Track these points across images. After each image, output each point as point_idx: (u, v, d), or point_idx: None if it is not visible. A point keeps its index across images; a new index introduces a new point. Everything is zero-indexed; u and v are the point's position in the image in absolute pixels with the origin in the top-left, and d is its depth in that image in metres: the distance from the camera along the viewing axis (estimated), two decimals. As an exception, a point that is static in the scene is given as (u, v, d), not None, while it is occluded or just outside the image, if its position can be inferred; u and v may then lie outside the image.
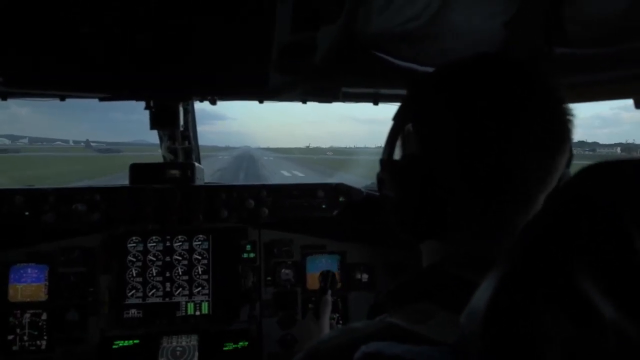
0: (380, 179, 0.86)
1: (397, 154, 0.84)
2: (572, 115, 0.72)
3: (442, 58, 1.52)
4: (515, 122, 0.68)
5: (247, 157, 57.70)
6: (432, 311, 0.68)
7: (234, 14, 1.24)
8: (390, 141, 0.83)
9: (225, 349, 2.22)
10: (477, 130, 0.69)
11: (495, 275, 0.48)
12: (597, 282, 0.40)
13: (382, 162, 0.84)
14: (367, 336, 0.69)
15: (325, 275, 1.86)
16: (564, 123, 0.71)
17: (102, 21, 1.25)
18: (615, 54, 1.33)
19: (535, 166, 0.70)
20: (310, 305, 2.36)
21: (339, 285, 2.33)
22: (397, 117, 0.83)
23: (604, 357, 0.40)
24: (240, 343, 2.24)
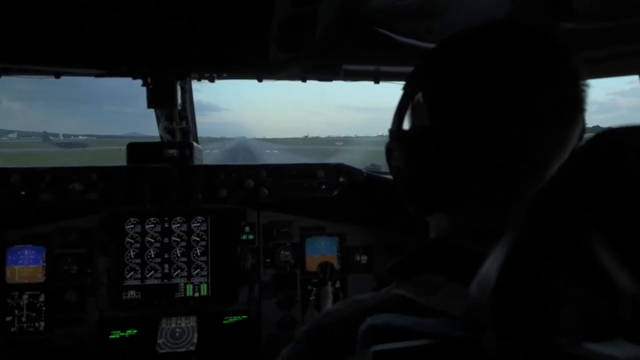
0: (389, 149, 0.84)
1: (406, 125, 0.82)
2: (586, 85, 0.70)
3: (445, 33, 1.50)
4: (527, 91, 0.67)
5: (242, 151, 49.24)
6: (440, 283, 0.67)
7: None
8: (399, 111, 0.81)
9: (224, 322, 2.23)
10: (487, 99, 0.68)
11: (506, 243, 0.47)
12: (613, 251, 0.39)
13: (392, 133, 0.82)
14: (372, 308, 0.68)
15: (324, 267, 1.85)
16: (577, 93, 0.69)
17: None
18: (622, 29, 1.32)
19: (547, 136, 0.68)
20: (311, 297, 2.37)
21: (337, 282, 2.34)
22: (407, 87, 0.81)
23: (620, 325, 0.40)
24: (239, 317, 2.24)
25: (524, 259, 0.45)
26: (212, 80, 1.89)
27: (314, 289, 2.35)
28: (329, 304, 1.77)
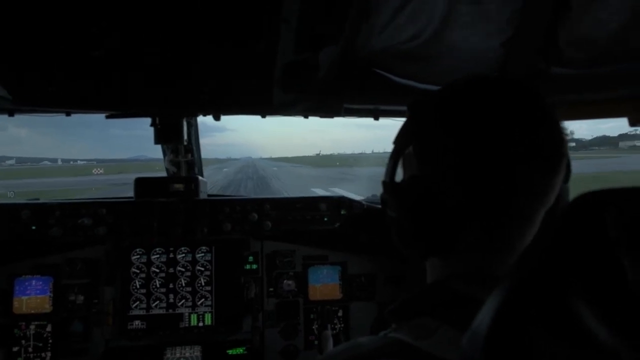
0: (383, 200, 0.89)
1: (399, 177, 0.86)
2: (566, 134, 0.75)
3: (441, 75, 1.58)
4: (515, 141, 0.71)
5: (251, 173, 40.93)
6: (435, 327, 0.70)
7: (239, 38, 1.28)
8: (391, 163, 0.85)
9: (228, 354, 2.24)
10: (476, 149, 0.72)
11: (495, 299, 0.50)
12: (592, 307, 0.42)
13: (385, 184, 0.86)
14: (372, 351, 0.72)
15: (321, 312, 1.88)
16: (561, 141, 0.74)
17: (112, 42, 1.29)
18: (610, 74, 1.37)
19: (535, 183, 0.72)
20: (312, 336, 2.40)
21: (337, 328, 2.38)
22: (398, 140, 0.85)
23: None
24: (242, 349, 2.26)
25: (511, 317, 0.48)
26: (217, 118, 1.95)
27: (316, 323, 2.38)
28: (330, 347, 1.80)
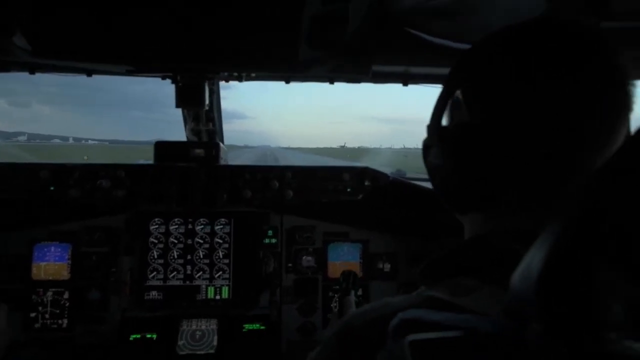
0: (426, 145, 0.83)
1: (445, 121, 0.80)
2: (632, 83, 0.68)
3: (477, 33, 1.48)
4: (572, 89, 0.65)
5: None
6: (475, 286, 0.64)
7: None
8: (438, 107, 0.80)
9: (244, 329, 2.20)
10: (531, 97, 0.66)
11: (550, 235, 0.45)
12: None
13: (429, 128, 0.81)
14: (404, 307, 0.66)
15: (347, 276, 1.81)
16: (624, 91, 0.67)
17: None
18: None
19: (591, 136, 0.66)
20: (333, 305, 2.34)
21: (359, 289, 2.30)
22: (448, 82, 0.80)
23: None
24: (259, 324, 2.22)
25: (569, 252, 0.43)
26: (240, 79, 1.90)
27: (336, 296, 2.32)
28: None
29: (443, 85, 0.81)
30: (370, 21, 1.45)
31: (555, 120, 0.65)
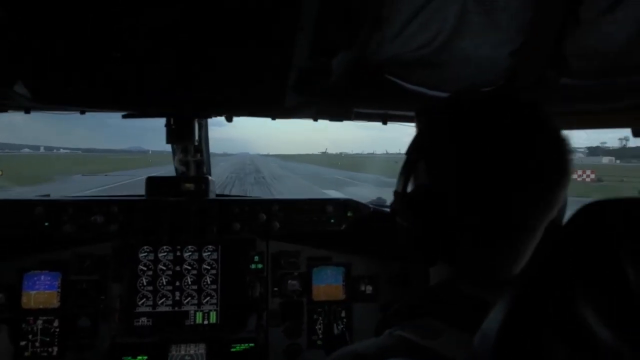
0: (393, 209, 0.91)
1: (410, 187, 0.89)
2: (571, 152, 0.78)
3: (451, 82, 1.61)
4: (519, 159, 0.74)
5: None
6: (443, 328, 0.73)
7: (255, 44, 1.32)
8: (403, 174, 0.88)
9: (232, 350, 2.26)
10: (481, 166, 0.76)
11: (504, 303, 0.54)
12: (596, 310, 0.45)
13: (396, 194, 0.89)
14: (379, 350, 0.75)
15: (327, 312, 2.01)
16: (566, 160, 0.77)
17: (131, 46, 1.32)
18: (618, 86, 1.41)
19: (539, 199, 0.76)
20: (314, 336, 2.43)
21: (340, 328, 2.43)
22: (409, 152, 0.88)
23: None
24: (247, 345, 2.28)
25: (520, 318, 0.52)
26: (229, 120, 1.99)
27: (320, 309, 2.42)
28: None
29: (406, 154, 0.89)
30: (352, 70, 1.55)
31: (502, 185, 0.75)
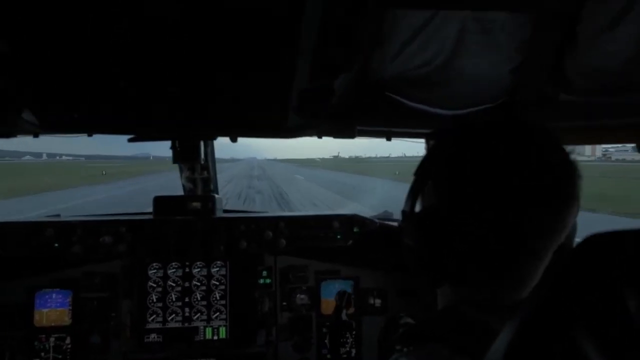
0: (401, 228, 0.92)
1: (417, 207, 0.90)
2: (579, 176, 0.78)
3: (451, 100, 1.62)
4: (527, 184, 0.74)
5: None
6: (448, 355, 0.73)
7: (256, 70, 1.34)
8: (411, 194, 0.89)
9: None
10: (489, 190, 0.76)
11: (508, 332, 0.54)
12: (596, 342, 0.45)
13: (404, 213, 0.90)
14: None
15: (342, 295, 1.94)
16: (573, 184, 0.77)
17: (137, 73, 1.35)
18: (618, 102, 1.40)
19: (546, 224, 0.76)
20: (324, 350, 2.43)
21: (351, 310, 2.41)
22: (418, 173, 0.89)
23: None
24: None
25: (523, 348, 0.52)
26: (234, 140, 2.02)
27: (328, 323, 2.43)
28: None
29: (414, 175, 0.90)
30: (354, 90, 1.57)
31: (508, 211, 0.75)
